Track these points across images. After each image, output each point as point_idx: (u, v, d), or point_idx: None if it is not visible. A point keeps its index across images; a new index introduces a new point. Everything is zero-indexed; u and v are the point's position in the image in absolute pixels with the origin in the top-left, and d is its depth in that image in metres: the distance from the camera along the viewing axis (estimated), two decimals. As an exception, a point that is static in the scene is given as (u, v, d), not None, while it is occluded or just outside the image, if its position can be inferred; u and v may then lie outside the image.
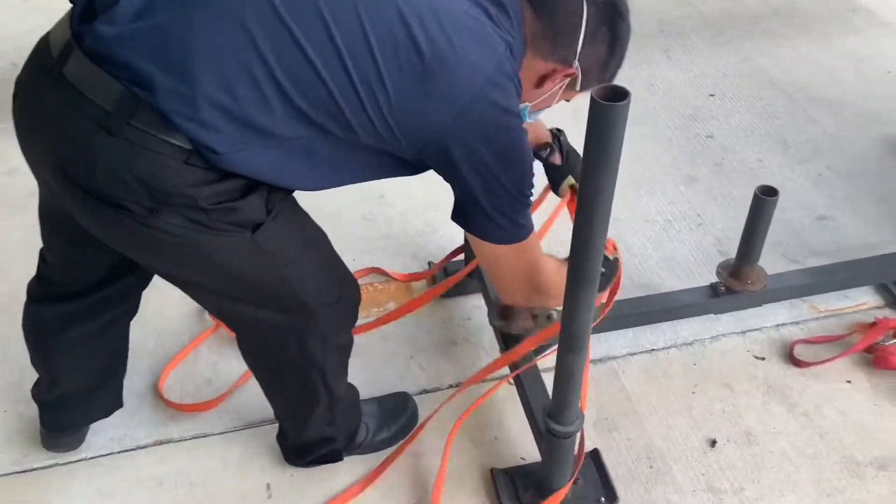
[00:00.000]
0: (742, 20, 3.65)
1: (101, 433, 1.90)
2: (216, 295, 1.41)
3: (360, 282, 2.24)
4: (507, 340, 1.87)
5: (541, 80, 1.38)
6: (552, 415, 1.55)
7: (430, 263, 2.33)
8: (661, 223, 2.52)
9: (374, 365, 2.07)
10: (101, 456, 1.87)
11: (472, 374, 2.03)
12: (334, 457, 1.81)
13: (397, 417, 1.88)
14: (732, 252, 2.33)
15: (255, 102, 1.13)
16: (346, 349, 1.64)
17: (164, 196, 1.15)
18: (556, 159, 1.79)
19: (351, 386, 1.76)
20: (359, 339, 2.11)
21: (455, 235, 2.37)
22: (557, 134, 1.81)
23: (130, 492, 1.79)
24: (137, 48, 1.11)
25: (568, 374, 1.45)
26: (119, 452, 1.87)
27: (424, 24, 1.17)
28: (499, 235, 1.36)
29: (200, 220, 1.18)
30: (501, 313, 1.89)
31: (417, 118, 1.19)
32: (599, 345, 2.10)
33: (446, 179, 1.31)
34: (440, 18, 1.19)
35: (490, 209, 1.30)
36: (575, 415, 1.56)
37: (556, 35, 1.33)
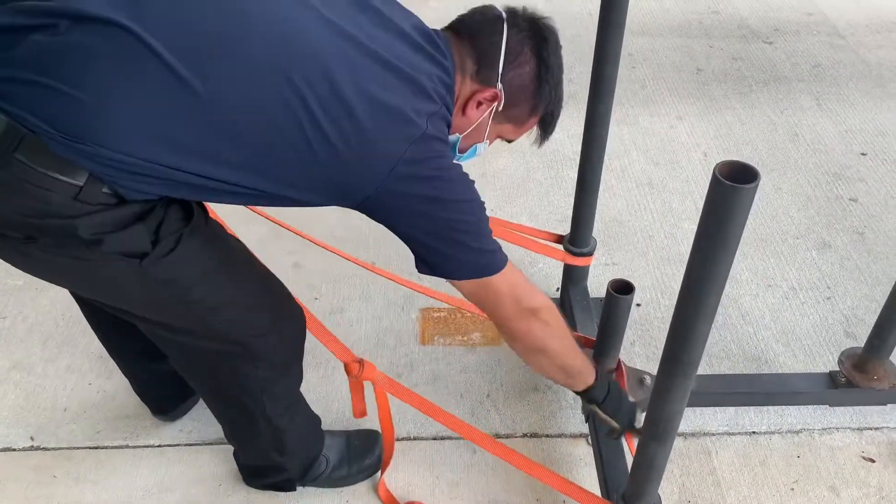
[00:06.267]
0: (911, 73, 3.31)
1: (174, 422, 1.92)
2: (130, 315, 1.33)
3: (449, 306, 2.21)
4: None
5: (464, 105, 1.32)
6: (627, 499, 1.42)
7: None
8: (785, 290, 2.30)
9: (448, 396, 1.99)
10: (169, 446, 1.88)
11: (550, 425, 1.92)
12: (286, 486, 1.76)
13: (362, 457, 1.79)
14: (861, 335, 2.11)
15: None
16: (288, 380, 1.56)
17: (39, 231, 1.10)
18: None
19: (309, 417, 1.70)
20: (437, 367, 2.06)
21: (556, 270, 2.26)
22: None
23: (190, 489, 1.79)
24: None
25: (649, 462, 1.32)
26: (186, 445, 1.88)
27: (333, 113, 1.12)
28: (469, 269, 1.28)
29: (79, 252, 1.12)
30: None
31: (340, 187, 1.19)
32: (694, 417, 1.93)
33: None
34: (358, 99, 1.13)
35: (446, 247, 1.25)
36: (651, 503, 1.42)
37: (477, 55, 1.30)
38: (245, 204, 1.22)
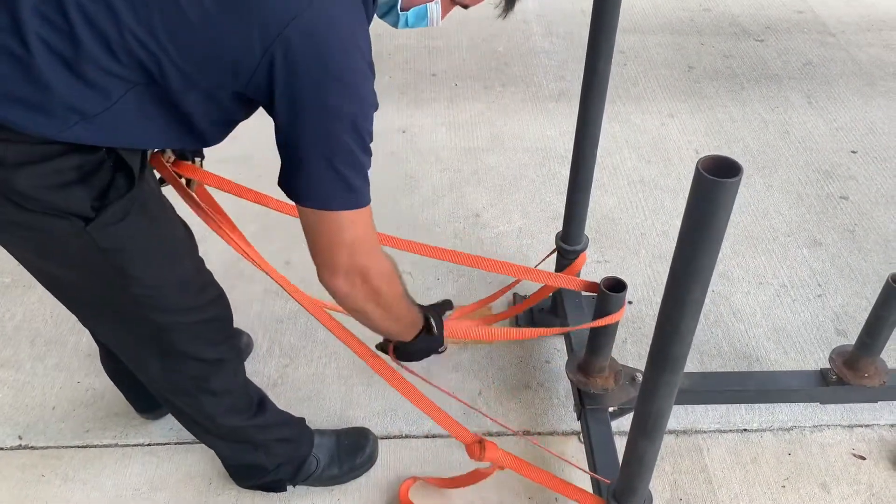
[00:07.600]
0: (901, 71, 3.33)
1: (163, 421, 1.90)
2: (66, 297, 1.28)
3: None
4: (582, 397, 1.74)
5: None
6: (617, 496, 1.42)
7: (514, 296, 2.22)
8: (776, 288, 2.30)
9: (440, 395, 1.97)
10: (158, 445, 1.87)
11: (542, 422, 1.92)
12: (275, 486, 1.74)
13: (353, 456, 1.78)
14: (851, 332, 2.11)
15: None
16: (222, 376, 1.48)
17: None
18: None
19: (282, 419, 1.68)
20: (429, 365, 2.05)
21: (549, 266, 2.25)
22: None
23: (180, 487, 1.78)
24: None
25: (638, 458, 1.31)
26: (176, 444, 1.87)
27: None
28: (322, 197, 1.10)
29: (22, 203, 1.07)
30: (581, 367, 1.76)
31: (221, 57, 1.02)
32: (686, 415, 1.93)
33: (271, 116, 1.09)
34: None
35: (316, 160, 1.07)
36: (642, 499, 1.42)
37: None
38: (154, 144, 1.13)
